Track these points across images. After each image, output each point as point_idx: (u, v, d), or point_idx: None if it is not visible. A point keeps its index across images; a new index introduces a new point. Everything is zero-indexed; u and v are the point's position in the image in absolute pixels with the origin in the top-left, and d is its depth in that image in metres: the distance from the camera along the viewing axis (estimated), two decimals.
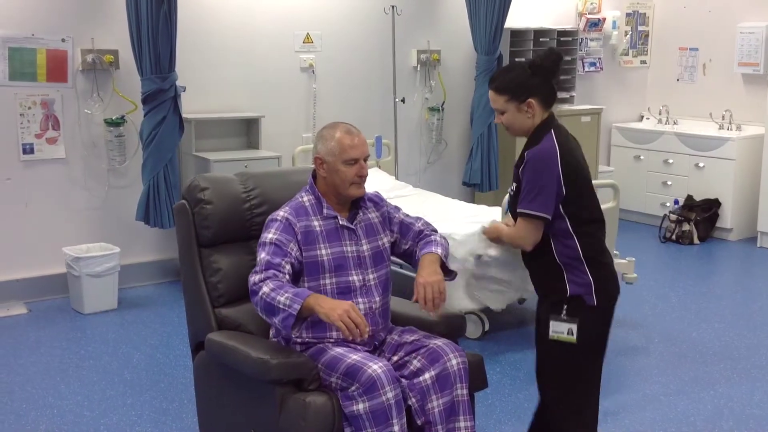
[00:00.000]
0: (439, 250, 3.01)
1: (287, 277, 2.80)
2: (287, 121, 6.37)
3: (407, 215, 3.18)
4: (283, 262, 2.81)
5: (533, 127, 2.86)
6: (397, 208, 3.18)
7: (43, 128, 5.46)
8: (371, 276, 2.96)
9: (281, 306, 2.68)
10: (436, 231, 3.15)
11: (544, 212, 2.75)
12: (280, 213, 2.94)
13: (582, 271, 2.78)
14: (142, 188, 5.53)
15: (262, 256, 2.83)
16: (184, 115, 5.57)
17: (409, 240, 3.12)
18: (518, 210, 2.81)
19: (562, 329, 2.77)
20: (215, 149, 5.90)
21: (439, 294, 2.86)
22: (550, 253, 2.82)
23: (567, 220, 2.79)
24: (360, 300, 2.93)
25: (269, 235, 2.87)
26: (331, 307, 2.66)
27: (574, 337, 2.75)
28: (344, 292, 2.91)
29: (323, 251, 2.90)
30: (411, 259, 3.12)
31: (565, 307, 2.78)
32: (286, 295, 2.70)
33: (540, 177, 2.76)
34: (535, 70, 2.84)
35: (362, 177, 2.96)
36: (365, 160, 2.97)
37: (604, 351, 2.92)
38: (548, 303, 2.85)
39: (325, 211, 2.95)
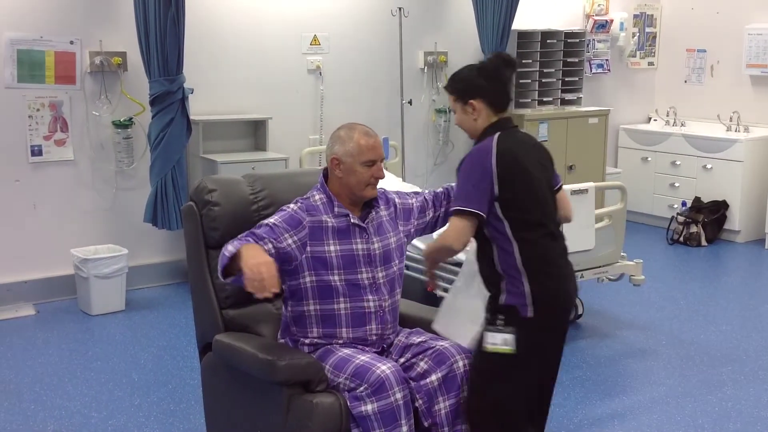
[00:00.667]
0: None
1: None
2: (294, 122, 6.38)
3: (430, 192, 3.24)
4: (267, 239, 2.82)
5: (480, 129, 2.81)
6: (413, 194, 3.19)
7: (52, 130, 5.48)
8: (381, 274, 2.97)
9: (225, 251, 2.74)
10: None
11: (475, 208, 2.65)
12: (291, 205, 2.96)
13: (519, 280, 2.64)
14: (150, 190, 5.55)
15: (252, 230, 2.88)
16: (191, 117, 5.59)
17: (442, 205, 3.20)
18: (451, 208, 2.76)
19: (497, 340, 2.64)
20: (223, 151, 5.92)
21: None
22: (491, 260, 2.72)
23: (507, 224, 2.68)
24: (370, 297, 2.94)
25: (270, 219, 2.91)
26: (251, 255, 2.65)
27: (510, 348, 2.62)
28: (353, 288, 2.92)
29: (331, 247, 2.90)
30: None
31: (500, 317, 2.67)
32: (235, 242, 2.75)
33: (472, 175, 2.70)
34: (481, 72, 2.82)
35: (378, 178, 2.98)
36: (381, 161, 2.99)
37: (539, 368, 2.76)
38: (487, 312, 2.75)
39: (336, 209, 2.96)
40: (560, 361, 2.91)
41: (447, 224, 2.79)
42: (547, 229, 2.73)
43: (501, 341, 2.62)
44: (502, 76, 2.81)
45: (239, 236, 2.85)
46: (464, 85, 2.84)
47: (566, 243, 2.84)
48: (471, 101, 2.81)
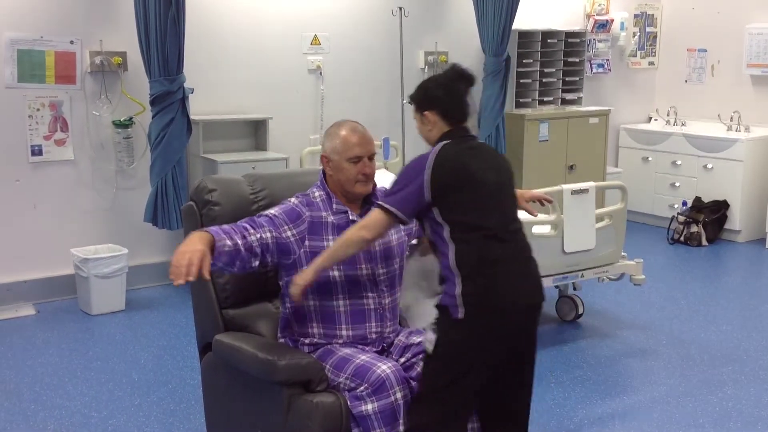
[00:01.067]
0: None
1: (254, 237, 2.79)
2: (295, 122, 6.38)
3: None
4: (266, 228, 2.82)
5: (434, 140, 2.83)
6: None
7: (52, 130, 5.48)
8: (381, 271, 2.96)
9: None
10: None
11: (396, 207, 2.68)
12: (292, 199, 2.98)
13: (452, 281, 2.64)
14: (150, 190, 5.54)
15: (251, 218, 2.88)
16: (192, 117, 5.58)
17: None
18: (378, 201, 2.78)
19: (430, 338, 2.65)
20: (223, 151, 5.91)
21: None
22: (438, 263, 2.75)
23: (446, 228, 2.68)
24: (370, 294, 2.94)
25: (271, 210, 2.92)
26: (188, 242, 2.62)
27: (429, 349, 2.63)
28: (353, 284, 2.92)
29: (330, 243, 2.90)
30: None
31: (436, 317, 2.68)
32: (213, 228, 2.76)
33: (403, 179, 2.74)
34: (437, 84, 2.85)
35: (366, 175, 2.96)
36: (370, 158, 2.97)
37: (470, 376, 2.67)
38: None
39: (334, 206, 2.97)
40: (524, 364, 2.83)
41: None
42: (490, 232, 2.68)
43: (428, 341, 2.64)
44: (457, 89, 2.83)
45: (240, 221, 2.86)
46: (420, 97, 2.88)
47: (525, 247, 2.79)
48: (426, 112, 2.84)
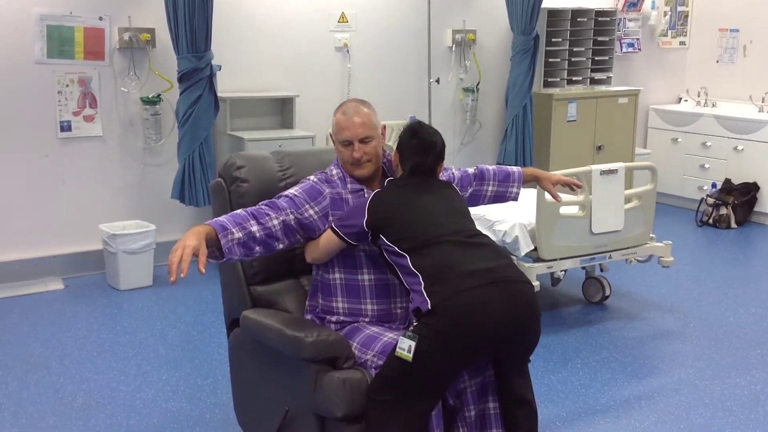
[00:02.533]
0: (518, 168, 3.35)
1: (275, 222, 2.81)
2: (321, 100, 6.36)
3: (460, 169, 3.28)
4: (288, 209, 2.84)
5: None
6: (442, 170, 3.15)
7: (81, 106, 5.50)
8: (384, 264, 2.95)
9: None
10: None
11: (340, 229, 2.84)
12: (311, 177, 2.99)
13: (417, 282, 2.64)
14: (177, 166, 5.57)
15: (272, 199, 2.89)
16: (219, 94, 5.59)
17: (467, 187, 3.24)
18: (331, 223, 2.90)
19: (404, 345, 2.60)
20: (250, 128, 5.92)
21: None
22: (403, 283, 2.75)
23: (396, 247, 2.73)
24: None
25: (291, 191, 2.92)
26: (182, 239, 2.58)
27: (410, 356, 2.57)
28: (376, 259, 2.91)
29: None
30: (479, 200, 3.29)
31: (413, 323, 2.67)
32: (224, 217, 2.76)
33: (354, 206, 2.90)
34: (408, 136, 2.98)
35: (356, 159, 2.94)
36: (363, 141, 2.93)
37: (437, 376, 2.62)
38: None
39: (349, 185, 2.97)
40: (513, 355, 2.78)
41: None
42: (433, 240, 2.71)
43: (406, 347, 2.59)
44: (407, 143, 2.96)
45: (260, 203, 2.86)
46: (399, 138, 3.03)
47: (482, 248, 2.77)
48: (396, 151, 3.00)
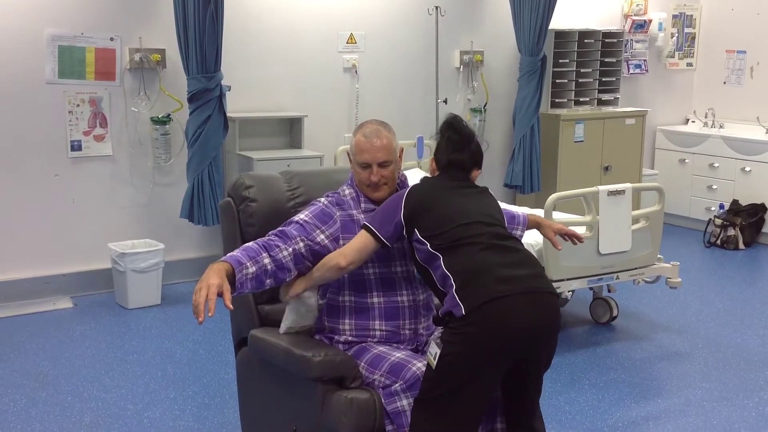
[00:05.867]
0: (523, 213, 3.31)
1: (285, 253, 2.80)
2: (330, 120, 6.40)
3: None
4: (298, 238, 2.83)
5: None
6: None
7: (91, 125, 5.55)
8: (415, 268, 2.96)
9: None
10: None
11: (375, 227, 2.80)
12: (322, 199, 2.99)
13: (449, 285, 2.64)
14: (186, 186, 5.60)
15: (282, 227, 2.88)
16: (228, 114, 5.62)
17: None
18: (362, 224, 2.87)
19: (432, 351, 2.62)
20: (258, 148, 5.95)
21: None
22: (434, 283, 2.75)
23: (428, 244, 2.73)
24: (404, 292, 2.94)
25: (301, 216, 2.92)
26: (203, 278, 2.59)
27: (434, 363, 2.59)
28: (387, 282, 2.93)
29: None
30: None
31: (441, 329, 2.67)
32: (238, 252, 2.76)
33: (386, 203, 2.88)
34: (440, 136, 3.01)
35: (374, 183, 2.95)
36: (382, 165, 2.93)
37: (477, 382, 2.61)
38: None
39: (363, 205, 2.98)
40: (528, 383, 2.78)
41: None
42: (467, 241, 2.71)
43: (434, 354, 2.61)
44: (442, 137, 2.98)
45: (269, 233, 2.86)
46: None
47: (516, 253, 2.76)
48: (432, 157, 3.04)
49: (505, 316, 2.57)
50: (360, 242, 2.82)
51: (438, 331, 2.96)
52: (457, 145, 2.93)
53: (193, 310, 2.52)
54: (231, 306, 2.55)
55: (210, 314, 2.50)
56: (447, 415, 2.62)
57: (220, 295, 2.55)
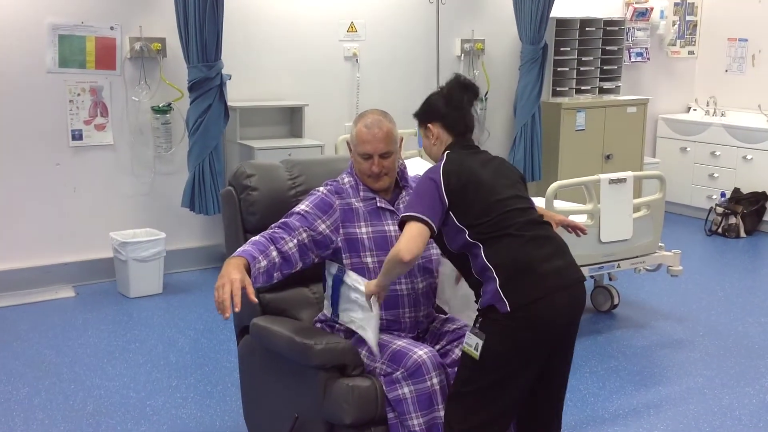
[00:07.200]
0: None
1: (290, 245, 2.82)
2: (330, 109, 6.39)
3: None
4: (300, 229, 2.84)
5: (439, 154, 2.82)
6: None
7: (92, 115, 5.54)
8: (440, 250, 2.95)
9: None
10: None
11: (425, 215, 2.61)
12: (321, 188, 2.99)
13: (491, 277, 2.58)
14: (187, 175, 5.60)
15: (284, 219, 2.89)
16: (229, 103, 5.62)
17: None
18: (402, 215, 2.68)
19: (471, 342, 2.59)
20: (259, 137, 5.95)
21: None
22: (470, 270, 2.69)
23: (467, 231, 2.64)
24: (402, 280, 2.94)
25: (302, 206, 2.93)
26: (224, 274, 2.60)
27: (477, 354, 2.56)
28: None
29: (363, 229, 2.92)
30: None
31: (480, 319, 2.63)
32: (247, 246, 2.76)
33: (421, 188, 2.70)
34: (439, 97, 2.84)
35: (375, 173, 2.94)
36: (383, 156, 2.93)
37: (521, 369, 2.61)
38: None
39: (362, 193, 2.98)
40: (561, 369, 2.77)
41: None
42: (507, 231, 2.64)
43: (474, 344, 2.59)
44: (459, 99, 2.81)
45: (272, 226, 2.87)
46: (424, 110, 2.87)
47: (552, 243, 2.72)
48: (429, 125, 2.84)
49: (548, 314, 2.58)
50: (416, 233, 2.61)
51: (454, 323, 3.00)
52: (472, 113, 2.84)
53: (217, 307, 2.53)
54: (255, 299, 2.58)
55: (237, 309, 2.53)
56: (488, 408, 2.61)
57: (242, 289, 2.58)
